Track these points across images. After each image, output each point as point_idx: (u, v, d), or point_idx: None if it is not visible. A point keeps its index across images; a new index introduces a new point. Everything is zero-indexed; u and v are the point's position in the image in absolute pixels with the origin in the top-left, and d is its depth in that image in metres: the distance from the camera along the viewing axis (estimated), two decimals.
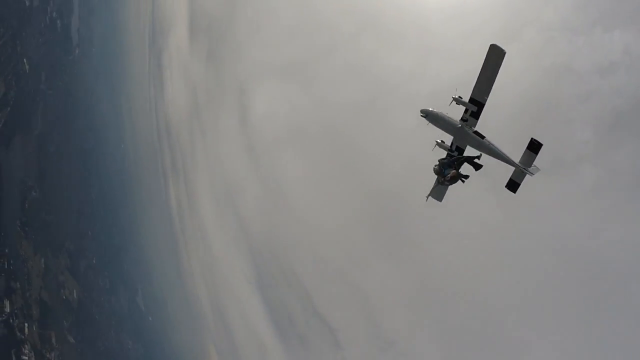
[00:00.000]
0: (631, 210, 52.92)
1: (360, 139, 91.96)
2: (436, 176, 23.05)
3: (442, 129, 23.46)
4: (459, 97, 22.32)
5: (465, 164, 22.82)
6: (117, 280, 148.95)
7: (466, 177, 22.27)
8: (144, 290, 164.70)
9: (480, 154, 22.37)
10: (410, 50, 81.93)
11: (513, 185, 22.85)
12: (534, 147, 21.68)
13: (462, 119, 22.74)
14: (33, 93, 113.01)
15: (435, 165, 22.73)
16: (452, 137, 23.67)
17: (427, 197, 24.39)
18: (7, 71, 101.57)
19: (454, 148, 23.81)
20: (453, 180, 22.17)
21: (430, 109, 23.36)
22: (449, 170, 22.19)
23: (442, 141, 24.23)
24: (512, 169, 22.61)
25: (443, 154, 24.21)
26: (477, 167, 22.50)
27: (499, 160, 22.77)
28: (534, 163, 22.14)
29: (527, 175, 22.34)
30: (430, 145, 24.52)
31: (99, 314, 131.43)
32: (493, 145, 22.61)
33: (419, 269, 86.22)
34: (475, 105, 22.02)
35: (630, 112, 53.11)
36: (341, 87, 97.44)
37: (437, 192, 24.49)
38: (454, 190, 23.76)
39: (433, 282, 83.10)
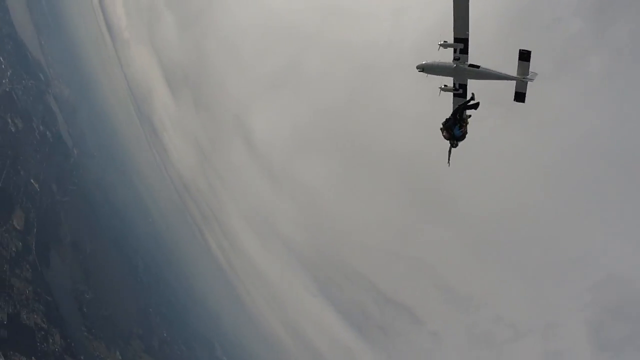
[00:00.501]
0: None
1: (365, 122, 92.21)
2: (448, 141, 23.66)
3: (441, 75, 24.97)
4: (444, 41, 23.59)
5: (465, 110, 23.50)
6: (192, 344, 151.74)
7: (469, 116, 23.06)
8: (220, 342, 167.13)
9: (473, 94, 23.22)
10: (378, 20, 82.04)
11: (520, 96, 23.83)
12: (524, 56, 22.71)
13: (454, 59, 24.00)
14: (51, 207, 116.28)
15: (443, 132, 23.20)
16: (452, 78, 24.99)
17: (449, 163, 24.82)
18: (20, 197, 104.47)
19: (457, 86, 25.16)
20: (464, 136, 22.89)
21: (424, 62, 24.79)
22: (457, 129, 22.75)
23: (444, 85, 25.59)
24: (514, 83, 23.60)
25: (449, 97, 25.30)
26: (476, 106, 23.18)
27: (502, 82, 23.84)
28: (530, 70, 23.10)
29: (528, 82, 23.31)
30: (434, 97, 25.39)
31: None
32: (489, 70, 23.92)
33: (465, 220, 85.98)
34: (461, 43, 23.23)
35: None
36: (328, 81, 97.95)
37: None
38: (474, 130, 24.17)
39: (483, 226, 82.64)
